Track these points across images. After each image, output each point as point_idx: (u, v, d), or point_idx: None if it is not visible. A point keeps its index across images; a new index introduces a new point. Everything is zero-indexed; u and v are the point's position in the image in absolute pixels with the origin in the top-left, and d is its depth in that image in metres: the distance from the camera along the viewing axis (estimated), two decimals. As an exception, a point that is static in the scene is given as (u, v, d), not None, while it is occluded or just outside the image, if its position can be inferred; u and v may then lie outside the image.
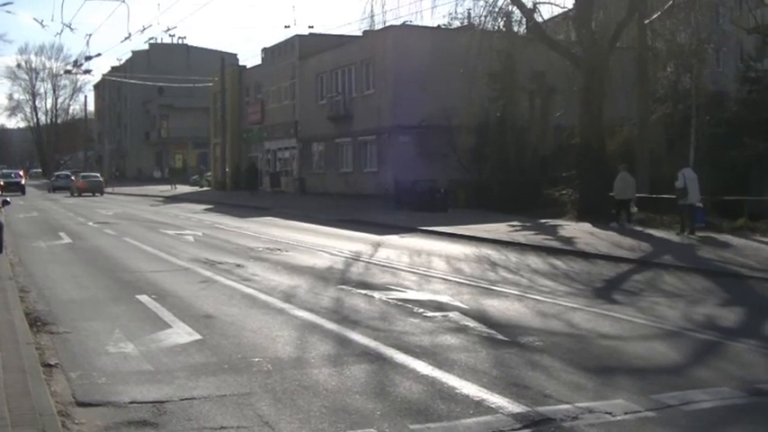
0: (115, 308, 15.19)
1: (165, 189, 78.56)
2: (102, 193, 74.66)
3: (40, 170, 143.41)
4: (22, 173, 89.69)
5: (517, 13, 37.87)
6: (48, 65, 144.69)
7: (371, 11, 41.72)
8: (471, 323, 13.35)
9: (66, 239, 29.62)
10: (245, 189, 68.74)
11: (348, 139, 58.94)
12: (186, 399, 9.22)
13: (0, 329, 12.04)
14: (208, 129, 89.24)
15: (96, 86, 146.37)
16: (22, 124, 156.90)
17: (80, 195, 72.12)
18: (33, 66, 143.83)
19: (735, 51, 46.82)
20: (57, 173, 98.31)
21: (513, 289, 17.49)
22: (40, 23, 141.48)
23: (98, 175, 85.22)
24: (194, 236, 30.68)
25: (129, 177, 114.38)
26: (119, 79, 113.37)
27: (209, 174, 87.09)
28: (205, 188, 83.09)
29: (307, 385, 9.73)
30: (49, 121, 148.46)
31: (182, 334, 12.63)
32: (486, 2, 37.57)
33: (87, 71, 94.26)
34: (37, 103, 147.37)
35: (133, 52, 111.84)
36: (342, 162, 60.60)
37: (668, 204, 32.62)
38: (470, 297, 16.30)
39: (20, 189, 74.53)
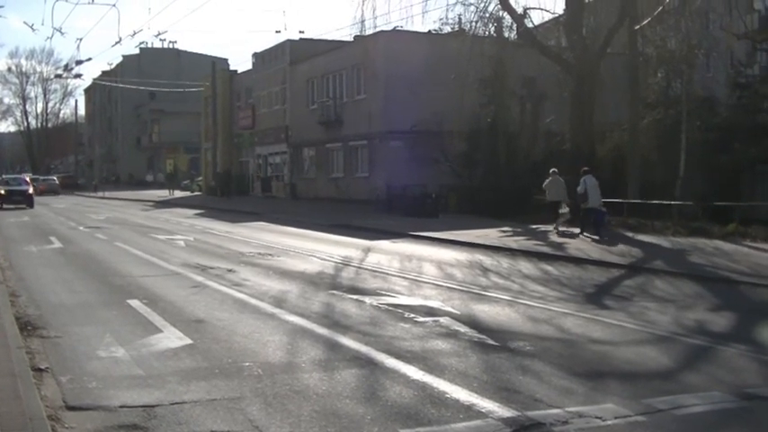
0: (106, 312, 15.18)
1: (164, 195, 77.96)
2: (58, 193, 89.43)
3: (30, 174, 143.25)
4: (27, 179, 68.76)
5: (508, 18, 37.96)
6: (38, 69, 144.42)
7: (362, 16, 41.54)
8: (462, 328, 13.36)
9: (57, 244, 29.58)
10: (220, 195, 69.34)
11: (339, 144, 58.91)
12: (177, 403, 9.23)
13: (-10, 334, 12.03)
14: (199, 133, 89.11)
15: (87, 91, 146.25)
16: (13, 128, 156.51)
17: (41, 195, 78.88)
18: (24, 70, 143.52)
19: (725, 57, 47.01)
20: (32, 177, 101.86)
21: (504, 294, 17.50)
22: (31, 27, 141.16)
23: (54, 179, 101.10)
24: (185, 240, 30.66)
25: (123, 182, 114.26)
26: (109, 84, 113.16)
27: (199, 179, 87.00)
28: (196, 193, 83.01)
29: (297, 390, 9.74)
30: (39, 125, 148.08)
31: (172, 338, 12.62)
32: (477, 7, 37.69)
33: (78, 75, 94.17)
34: (27, 107, 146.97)
35: (124, 57, 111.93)
36: (333, 167, 60.57)
37: (658, 210, 32.70)
38: (461, 302, 16.31)
39: (26, 201, 58.60)
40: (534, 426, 8.43)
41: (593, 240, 29.15)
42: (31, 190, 60.96)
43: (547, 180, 33.52)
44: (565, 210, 33.93)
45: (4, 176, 71.39)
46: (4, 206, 55.68)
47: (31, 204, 58.24)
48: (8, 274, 20.46)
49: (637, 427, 8.50)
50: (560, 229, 32.36)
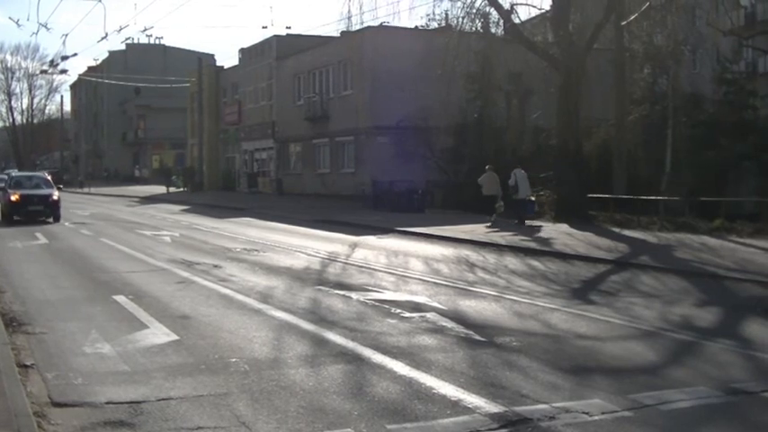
0: (92, 308, 15.14)
1: (151, 191, 76.46)
2: None
3: (16, 170, 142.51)
4: (48, 176, 45.32)
5: (494, 14, 37.88)
6: (24, 64, 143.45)
7: (349, 11, 41.62)
8: (449, 324, 13.36)
9: (43, 240, 29.46)
10: (190, 190, 70.36)
11: (325, 140, 58.91)
12: (163, 399, 9.21)
13: (-25, 330, 11.99)
14: (185, 129, 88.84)
15: (72, 86, 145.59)
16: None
17: None
18: (9, 65, 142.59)
19: (711, 53, 47.15)
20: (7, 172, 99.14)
21: (490, 290, 17.50)
22: (16, 23, 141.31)
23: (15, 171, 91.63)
24: (171, 236, 30.61)
25: (117, 177, 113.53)
26: (95, 79, 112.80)
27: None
28: (182, 189, 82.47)
29: (284, 385, 9.72)
30: (24, 121, 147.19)
31: (158, 334, 12.59)
32: (464, 3, 37.58)
33: (63, 71, 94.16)
34: (13, 102, 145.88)
35: (110, 52, 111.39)
36: (319, 163, 60.57)
37: (645, 205, 32.76)
38: (448, 298, 16.31)
39: (49, 210, 39.08)
40: (521, 421, 8.43)
41: (522, 227, 32.11)
42: (56, 194, 39.92)
43: (483, 175, 35.56)
44: (500, 203, 35.29)
45: (13, 174, 50.04)
46: (16, 218, 38.15)
47: (56, 216, 38.98)
48: (-7, 270, 20.39)
49: (623, 422, 8.50)
50: (493, 219, 34.04)
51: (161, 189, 78.98)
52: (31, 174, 50.58)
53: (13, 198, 38.35)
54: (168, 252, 25.10)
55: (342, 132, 56.15)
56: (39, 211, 38.68)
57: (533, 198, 34.54)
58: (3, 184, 45.41)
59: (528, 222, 33.39)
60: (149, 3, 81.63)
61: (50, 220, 38.53)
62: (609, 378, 10.23)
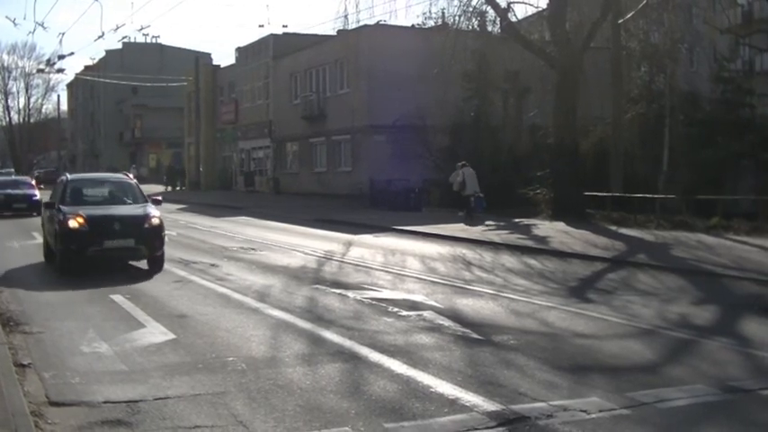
0: (89, 308, 15.14)
1: (157, 190, 75.70)
2: None
3: (12, 170, 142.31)
4: (133, 179, 25.03)
5: (491, 12, 37.94)
6: (20, 64, 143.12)
7: (345, 10, 41.44)
8: (446, 322, 13.35)
9: (40, 239, 29.29)
10: (174, 189, 72.95)
11: (322, 139, 58.88)
12: (160, 398, 9.21)
13: (-28, 329, 11.97)
14: (182, 128, 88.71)
15: (69, 86, 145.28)
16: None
17: None
18: (5, 64, 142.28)
19: (708, 51, 47.08)
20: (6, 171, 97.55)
21: (487, 288, 17.50)
22: (13, 22, 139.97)
23: (12, 170, 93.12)
24: (168, 235, 30.45)
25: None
26: (92, 78, 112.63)
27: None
28: (169, 188, 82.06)
29: (281, 384, 9.72)
30: (21, 120, 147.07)
31: (156, 333, 12.60)
32: (461, 1, 37.55)
33: (60, 70, 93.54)
34: (9, 102, 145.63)
35: (106, 51, 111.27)
36: (316, 162, 60.53)
37: (642, 204, 32.74)
38: (445, 296, 16.31)
39: (143, 245, 20.37)
40: (519, 419, 8.43)
41: (469, 222, 33.78)
42: (155, 215, 21.22)
43: (453, 173, 37.25)
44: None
45: (69, 177, 23.86)
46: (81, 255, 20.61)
47: (157, 260, 21.12)
48: (-10, 270, 20.35)
49: (621, 420, 8.50)
50: (460, 214, 35.81)
51: (159, 188, 78.78)
52: (101, 176, 29.07)
53: (73, 224, 19.83)
54: (165, 251, 25.04)
55: (338, 131, 56.12)
56: (126, 250, 20.70)
57: (482, 195, 36.29)
58: (32, 193, 42.20)
59: (477, 219, 34.63)
60: (146, 2, 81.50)
61: (144, 264, 21.22)
62: (606, 376, 10.23)
